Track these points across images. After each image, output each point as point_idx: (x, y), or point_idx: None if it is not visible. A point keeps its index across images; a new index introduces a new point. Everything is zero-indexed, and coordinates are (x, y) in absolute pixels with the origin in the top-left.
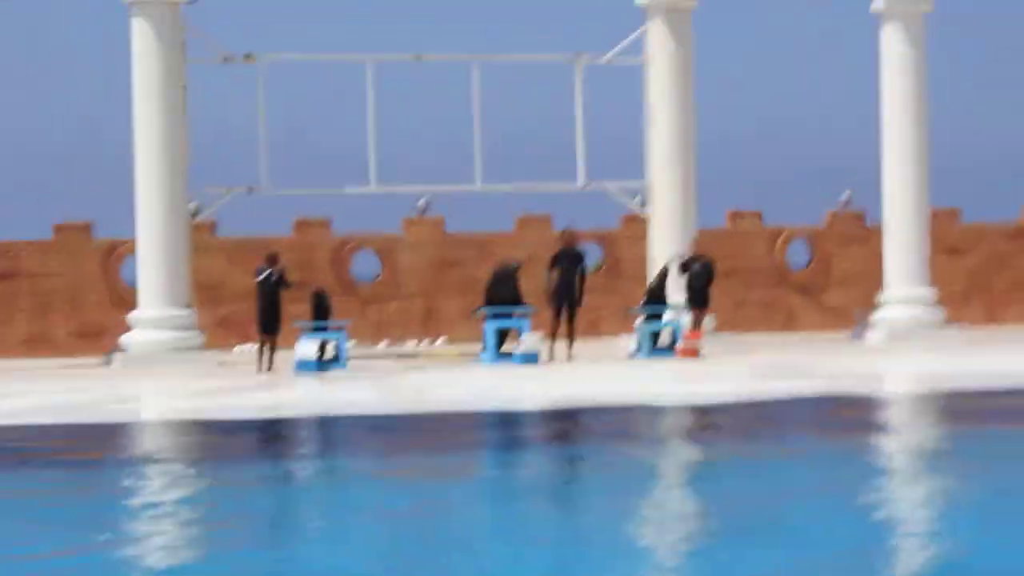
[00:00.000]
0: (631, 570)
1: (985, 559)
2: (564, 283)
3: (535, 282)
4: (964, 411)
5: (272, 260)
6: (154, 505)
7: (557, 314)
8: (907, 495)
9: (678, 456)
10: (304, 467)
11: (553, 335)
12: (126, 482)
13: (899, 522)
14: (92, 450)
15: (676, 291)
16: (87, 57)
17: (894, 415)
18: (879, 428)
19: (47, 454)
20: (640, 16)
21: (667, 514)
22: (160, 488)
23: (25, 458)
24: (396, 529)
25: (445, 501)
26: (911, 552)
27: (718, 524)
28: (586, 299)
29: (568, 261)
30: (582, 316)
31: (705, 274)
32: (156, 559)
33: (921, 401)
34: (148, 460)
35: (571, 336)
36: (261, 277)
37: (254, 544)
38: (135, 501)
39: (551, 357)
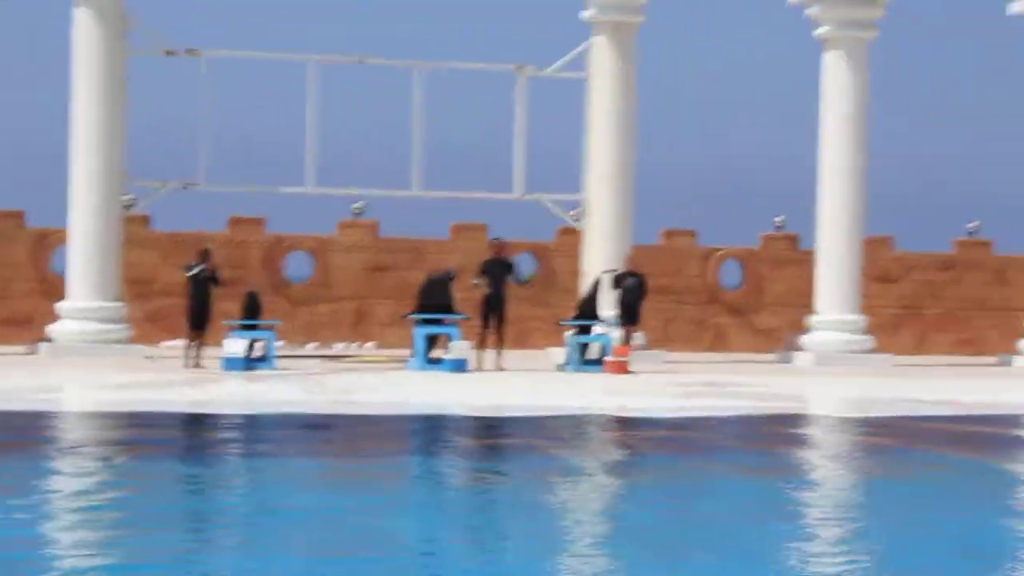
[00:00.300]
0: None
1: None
2: (492, 293)
3: (470, 291)
4: (883, 435)
5: (204, 256)
6: (69, 497)
7: (486, 323)
8: (811, 512)
9: (596, 467)
10: (225, 464)
11: (482, 344)
12: (42, 473)
13: (799, 535)
14: (10, 439)
15: (608, 306)
16: (25, 43)
17: (814, 436)
18: (798, 448)
19: None
20: (585, 30)
21: (577, 522)
22: (76, 480)
23: None
24: (310, 528)
25: (363, 503)
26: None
27: (621, 535)
28: (510, 308)
29: (496, 270)
30: (511, 327)
31: (637, 290)
32: (67, 556)
33: (842, 424)
34: (67, 451)
35: (500, 345)
36: (192, 272)
37: (167, 541)
38: (50, 493)
39: (480, 366)
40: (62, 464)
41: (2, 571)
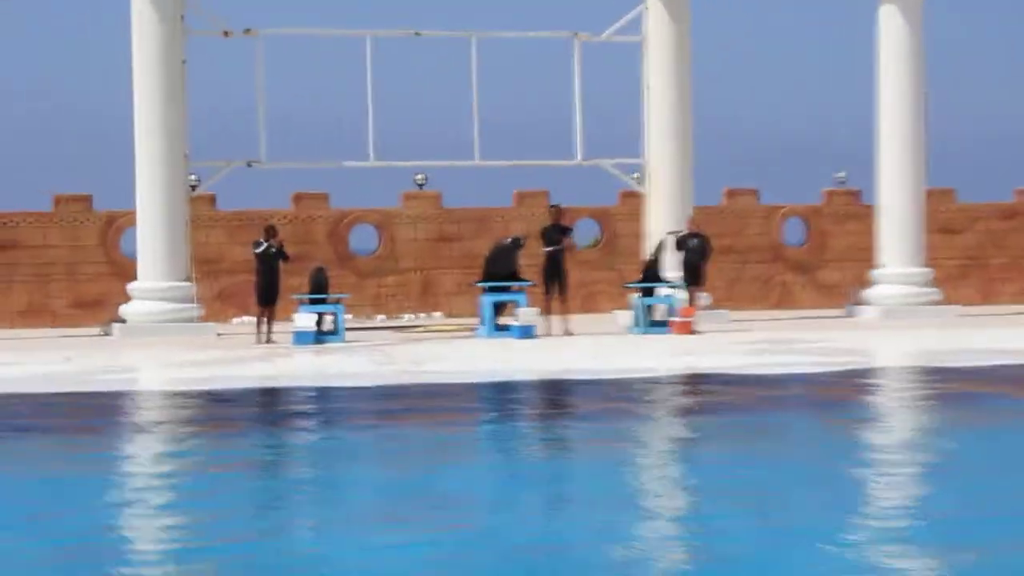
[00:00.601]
0: (614, 532)
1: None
2: (551, 259)
3: (536, 258)
4: (951, 385)
5: (270, 232)
6: (149, 476)
7: (547, 290)
8: (877, 467)
9: (667, 429)
10: (301, 437)
11: (547, 310)
12: (121, 453)
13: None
14: (89, 420)
15: (672, 267)
16: (88, 28)
17: (881, 391)
18: (865, 403)
19: (43, 423)
20: None
21: (650, 486)
22: (155, 458)
23: (21, 427)
24: (390, 505)
25: (440, 476)
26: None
27: (691, 489)
28: (573, 272)
29: (556, 236)
30: (577, 291)
31: (701, 251)
32: (147, 535)
33: (911, 378)
34: (145, 430)
35: (565, 310)
36: (260, 249)
37: (246, 516)
38: (129, 473)
39: (547, 331)
40: (135, 445)
41: (103, 553)
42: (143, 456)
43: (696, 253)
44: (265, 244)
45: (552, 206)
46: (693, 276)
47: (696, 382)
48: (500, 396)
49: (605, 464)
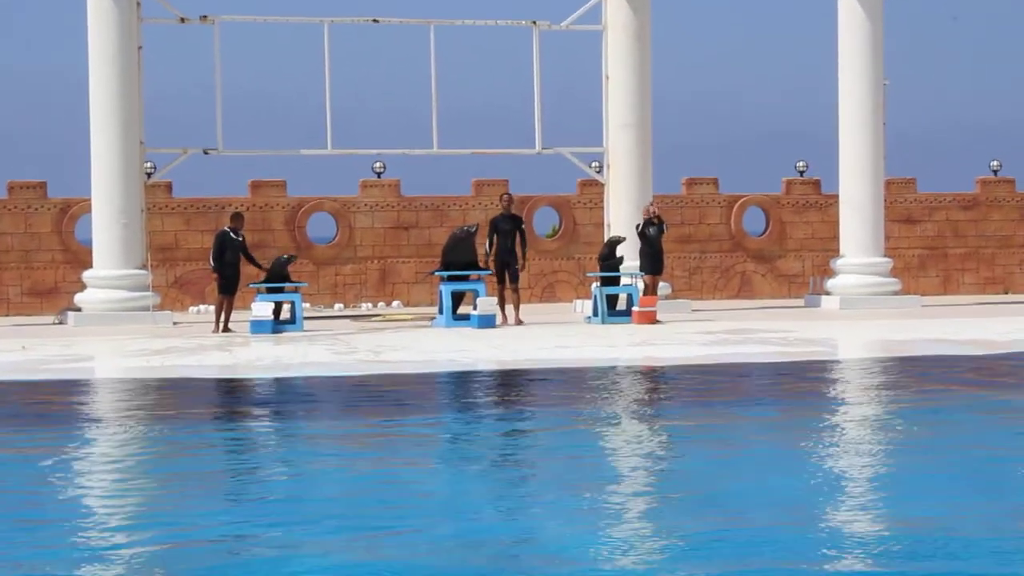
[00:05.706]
0: (572, 522)
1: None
2: (502, 248)
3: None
4: (910, 377)
5: (238, 220)
6: (104, 465)
7: (500, 280)
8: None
9: (627, 419)
10: (259, 428)
11: (501, 299)
12: (76, 442)
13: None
14: (44, 407)
15: (630, 256)
16: (43, 13)
17: (841, 382)
18: (826, 394)
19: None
20: None
21: (609, 477)
22: (110, 448)
23: None
24: (348, 498)
25: (397, 464)
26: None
27: (656, 481)
28: (529, 262)
29: (506, 226)
30: (536, 281)
31: (659, 236)
32: (105, 522)
33: (869, 367)
34: (100, 419)
35: (516, 301)
36: (237, 237)
37: (202, 505)
38: (85, 462)
39: (504, 321)
40: (94, 431)
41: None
42: (95, 447)
43: (656, 241)
44: (236, 232)
45: (503, 195)
46: (653, 265)
47: (652, 373)
48: (458, 386)
49: (541, 454)
